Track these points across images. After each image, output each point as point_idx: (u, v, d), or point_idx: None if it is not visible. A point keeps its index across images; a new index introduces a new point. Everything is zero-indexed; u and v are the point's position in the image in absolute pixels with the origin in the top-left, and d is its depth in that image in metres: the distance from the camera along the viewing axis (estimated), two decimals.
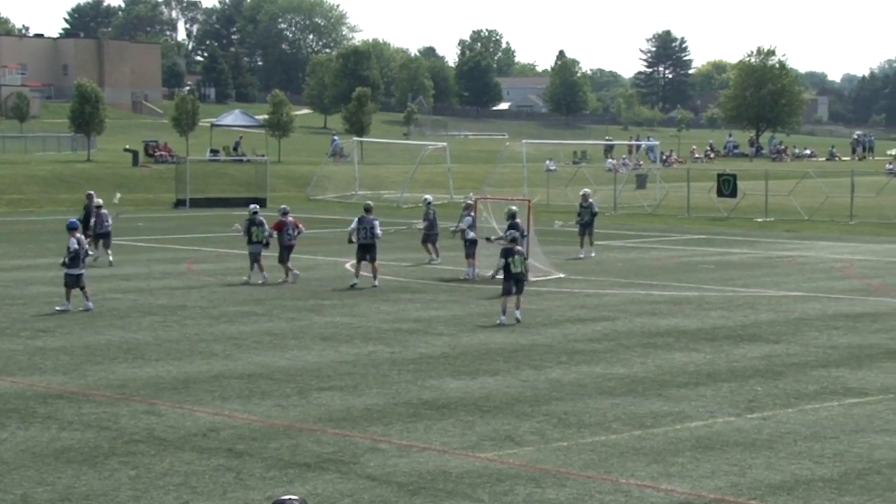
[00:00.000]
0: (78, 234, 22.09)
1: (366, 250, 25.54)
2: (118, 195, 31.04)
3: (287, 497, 6.56)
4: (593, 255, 32.12)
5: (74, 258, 21.65)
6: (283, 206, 28.57)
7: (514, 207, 25.98)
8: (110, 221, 30.17)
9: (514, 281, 21.04)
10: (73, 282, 21.66)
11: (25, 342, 18.66)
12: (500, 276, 21.50)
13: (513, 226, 24.59)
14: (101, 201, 31.04)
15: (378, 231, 25.63)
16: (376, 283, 25.33)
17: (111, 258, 29.31)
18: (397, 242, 33.52)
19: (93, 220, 29.76)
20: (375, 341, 19.07)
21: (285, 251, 26.26)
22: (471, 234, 27.22)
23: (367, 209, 26.31)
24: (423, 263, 30.02)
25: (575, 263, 30.70)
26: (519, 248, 21.66)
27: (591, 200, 33.06)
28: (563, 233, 37.79)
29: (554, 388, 15.76)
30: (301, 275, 26.37)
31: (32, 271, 27.03)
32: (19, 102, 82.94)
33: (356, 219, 25.98)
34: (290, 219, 26.63)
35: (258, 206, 27.96)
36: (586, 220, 32.43)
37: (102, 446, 12.68)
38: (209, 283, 26.19)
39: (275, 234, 26.26)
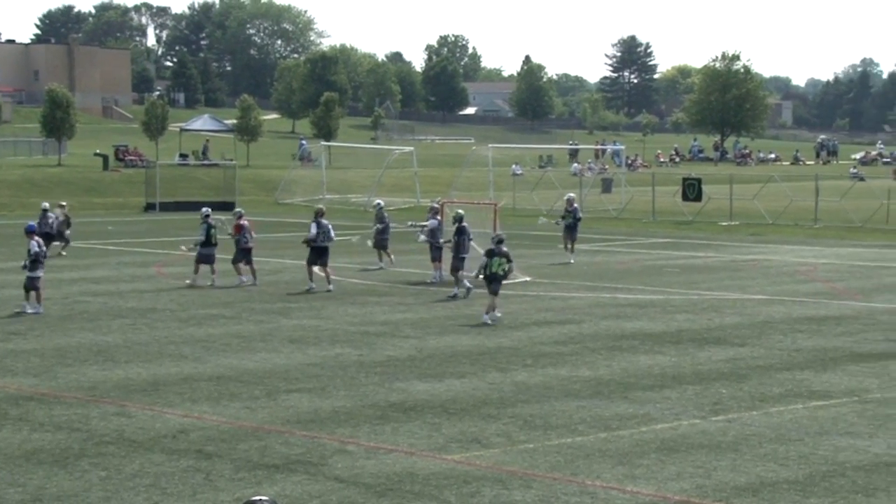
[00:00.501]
0: (37, 237, 21.97)
1: (321, 254, 25.45)
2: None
3: (257, 498, 6.57)
4: (572, 260, 32.08)
5: (35, 261, 21.54)
6: (238, 209, 28.52)
7: (460, 211, 26.13)
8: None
9: (487, 280, 21.29)
10: (32, 284, 21.54)
11: None
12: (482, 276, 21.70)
13: (460, 230, 24.82)
14: (47, 205, 33.05)
15: (332, 234, 25.80)
16: (330, 286, 25.29)
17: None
18: (362, 246, 33.46)
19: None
20: (343, 344, 19.04)
21: (241, 253, 26.23)
22: (437, 238, 27.21)
23: (321, 213, 26.19)
24: (374, 269, 29.65)
25: (541, 267, 30.77)
26: (504, 249, 21.72)
27: (575, 205, 33.17)
28: (545, 236, 37.86)
29: (520, 390, 15.79)
30: (248, 282, 26.01)
31: (4, 275, 26.77)
32: None
33: (314, 223, 25.69)
34: (245, 222, 26.59)
35: (210, 209, 27.85)
36: (569, 223, 32.54)
37: (73, 447, 12.59)
38: (178, 286, 26.04)
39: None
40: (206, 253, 25.98)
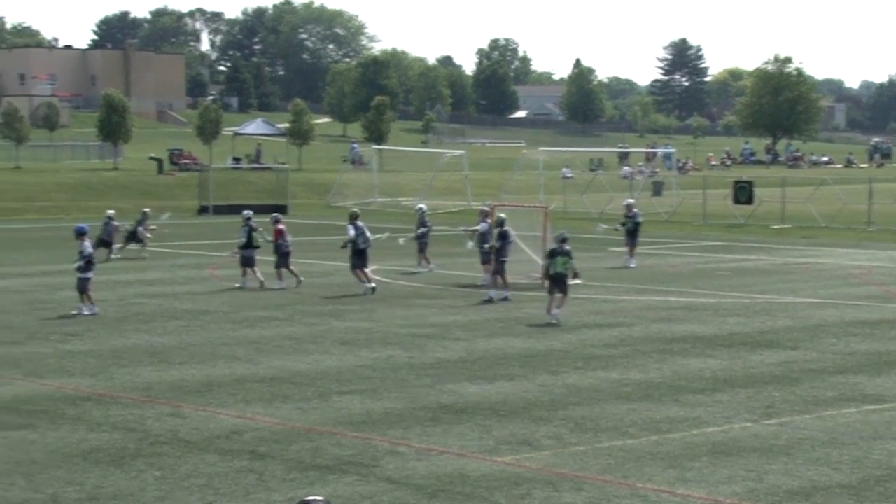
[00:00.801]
0: (88, 239, 22.22)
1: (362, 256, 25.50)
2: (167, 215, 32.96)
3: (311, 498, 6.59)
4: (633, 265, 31.72)
5: (89, 262, 21.79)
6: (274, 214, 28.72)
7: (502, 215, 26.02)
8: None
9: (552, 281, 21.41)
10: (84, 286, 21.77)
11: (55, 346, 18.78)
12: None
13: (502, 234, 24.71)
14: (112, 212, 33.53)
15: (369, 236, 25.80)
16: (373, 284, 25.40)
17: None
18: (414, 249, 33.51)
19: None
20: (394, 346, 19.09)
21: (283, 258, 26.39)
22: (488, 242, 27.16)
23: (356, 216, 26.10)
24: (415, 272, 29.59)
25: (592, 270, 30.65)
26: (567, 248, 21.71)
27: (635, 210, 32.83)
28: (596, 239, 37.70)
29: (571, 392, 15.74)
30: (287, 286, 26.06)
31: (61, 276, 27.16)
32: (49, 112, 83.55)
33: (351, 225, 25.59)
34: (283, 226, 26.79)
35: (252, 212, 28.04)
36: (630, 228, 32.26)
37: (129, 447, 12.75)
38: (231, 288, 26.27)
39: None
40: (247, 255, 26.22)
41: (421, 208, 31.70)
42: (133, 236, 33.74)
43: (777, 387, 16.28)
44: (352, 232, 25.45)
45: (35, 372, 16.68)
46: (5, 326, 20.67)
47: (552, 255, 21.79)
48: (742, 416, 14.54)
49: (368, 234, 25.80)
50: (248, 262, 26.24)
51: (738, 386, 16.30)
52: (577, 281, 27.52)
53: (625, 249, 32.63)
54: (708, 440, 13.35)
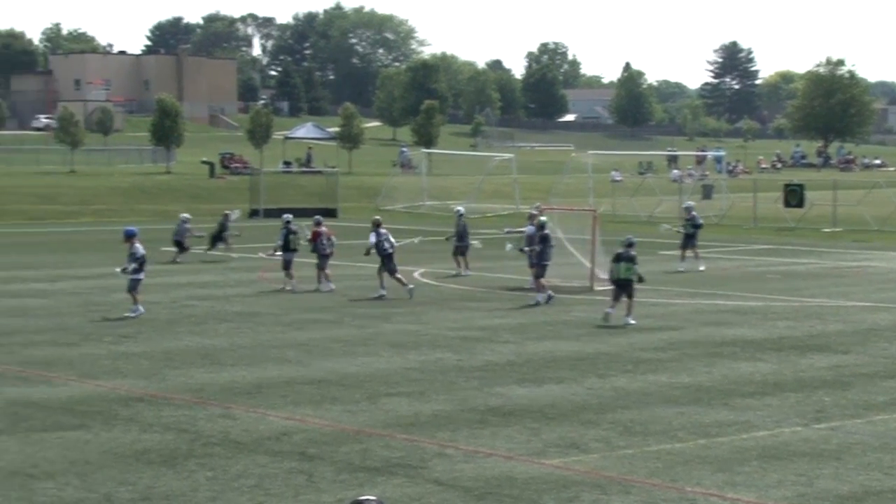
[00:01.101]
0: (138, 242, 22.47)
1: (389, 260, 25.57)
2: (237, 212, 34.03)
3: (364, 498, 6.61)
4: (702, 267, 31.15)
5: (142, 263, 22.03)
6: (316, 216, 28.97)
7: (543, 218, 25.97)
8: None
9: (617, 286, 21.62)
10: (135, 286, 22.01)
11: (109, 347, 19.03)
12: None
13: (543, 237, 24.69)
14: (187, 215, 34.34)
15: (393, 241, 25.84)
16: (411, 285, 25.57)
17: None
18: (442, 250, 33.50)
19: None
20: (442, 348, 19.12)
21: (322, 260, 26.64)
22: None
23: (378, 223, 26.07)
24: (457, 275, 29.55)
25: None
26: (632, 253, 21.80)
27: (693, 213, 32.41)
28: (646, 243, 37.39)
29: (619, 395, 15.67)
30: (325, 289, 26.15)
31: (115, 279, 27.48)
32: (103, 117, 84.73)
33: (374, 232, 25.56)
34: (323, 229, 27.02)
35: (291, 216, 28.26)
36: (689, 231, 31.87)
37: (181, 448, 12.89)
38: (281, 290, 26.46)
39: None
40: (286, 259, 26.43)
41: (458, 210, 31.68)
42: (218, 238, 34.23)
43: (828, 391, 16.09)
44: (373, 238, 25.52)
45: (89, 373, 16.91)
46: (60, 328, 20.98)
47: (617, 259, 21.87)
48: (792, 420, 14.39)
49: (392, 239, 25.85)
50: (284, 265, 26.48)
51: (788, 390, 16.14)
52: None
53: (677, 253, 32.21)
54: (757, 444, 13.23)
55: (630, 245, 21.87)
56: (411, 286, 25.46)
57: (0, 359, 17.91)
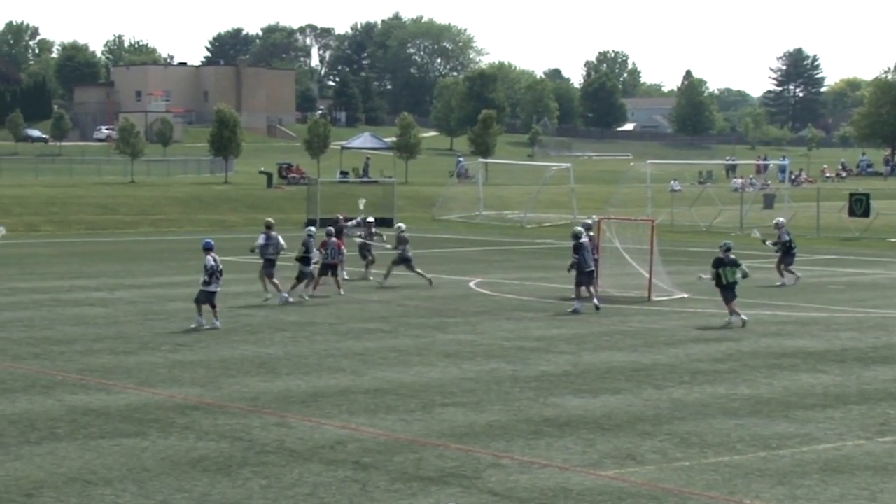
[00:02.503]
0: (213, 254, 22.63)
1: (270, 266, 25.82)
2: (363, 201, 32.16)
3: None
4: (798, 277, 30.32)
5: (212, 275, 22.19)
6: (328, 227, 29.40)
7: (578, 227, 25.96)
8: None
9: (724, 290, 22.78)
10: (205, 298, 22.19)
11: (166, 356, 19.27)
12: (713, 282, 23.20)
13: (576, 247, 24.71)
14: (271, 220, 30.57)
15: (283, 244, 26.02)
16: (284, 293, 25.83)
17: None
18: (521, 262, 33.51)
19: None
20: (498, 359, 19.11)
21: (325, 268, 27.21)
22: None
23: (269, 225, 26.43)
24: (527, 282, 29.60)
25: (699, 284, 30.21)
26: (732, 257, 22.94)
27: (783, 229, 31.06)
28: (702, 253, 37.09)
29: (676, 407, 15.54)
30: (305, 299, 26.20)
31: (173, 288, 27.88)
32: (163, 128, 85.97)
33: (263, 234, 26.01)
34: (333, 240, 27.60)
35: (314, 228, 28.67)
36: (779, 248, 30.70)
37: (236, 456, 13.00)
38: (336, 300, 26.62)
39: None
40: (303, 270, 26.52)
41: (399, 227, 30.02)
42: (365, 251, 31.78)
43: (892, 403, 15.82)
44: (261, 241, 25.95)
45: (146, 381, 17.14)
46: (119, 336, 21.29)
47: (719, 264, 22.85)
48: (855, 433, 14.17)
49: (282, 242, 26.03)
50: (302, 276, 26.59)
51: (850, 402, 15.89)
52: (684, 295, 27.11)
53: (774, 267, 30.93)
54: (819, 457, 13.04)
55: (728, 249, 23.03)
56: (285, 294, 25.79)
57: (60, 366, 18.23)
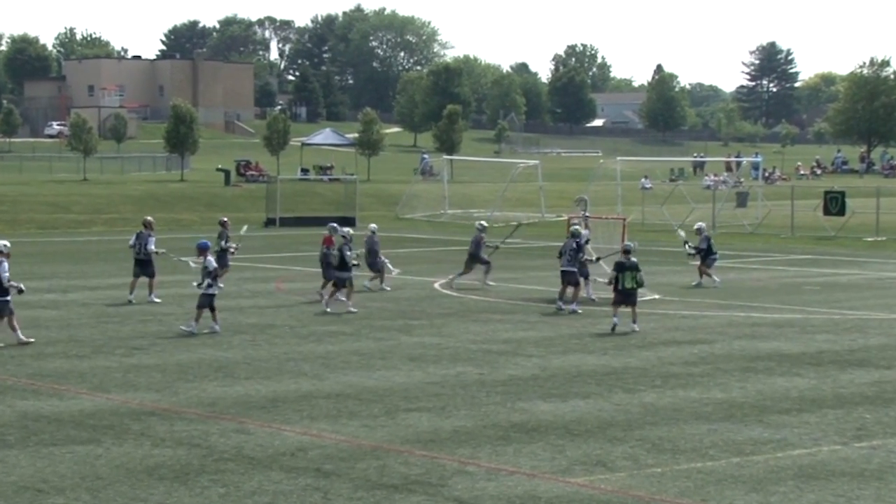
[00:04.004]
0: (210, 255, 22.45)
1: (143, 266, 26.07)
2: (245, 227, 30.85)
3: None
4: (717, 283, 30.14)
5: (215, 277, 21.97)
6: (330, 224, 28.17)
7: (577, 227, 26.32)
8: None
9: (622, 295, 22.18)
10: (208, 302, 21.97)
11: (120, 360, 19.14)
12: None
13: (575, 246, 25.18)
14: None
15: (151, 247, 26.17)
16: (155, 297, 25.99)
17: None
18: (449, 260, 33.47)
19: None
20: (464, 362, 19.13)
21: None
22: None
23: (146, 224, 26.70)
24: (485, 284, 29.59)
25: (671, 285, 30.40)
26: (633, 260, 22.31)
27: (704, 234, 30.63)
28: (675, 253, 37.31)
29: (648, 412, 15.63)
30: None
31: (128, 290, 27.66)
32: (117, 124, 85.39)
33: (137, 233, 26.45)
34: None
35: (349, 230, 27.58)
36: (699, 252, 30.75)
37: (193, 464, 12.95)
38: (298, 302, 26.55)
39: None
40: (340, 276, 25.17)
41: (371, 226, 29.48)
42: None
43: (869, 408, 15.98)
44: (133, 240, 26.45)
45: (100, 386, 17.02)
46: (72, 340, 21.13)
47: (620, 268, 22.24)
48: (831, 439, 14.30)
49: (152, 246, 26.16)
50: (339, 282, 25.52)
51: (826, 406, 16.05)
52: (655, 296, 27.35)
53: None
54: (794, 463, 13.16)
55: (628, 252, 22.38)
56: (153, 295, 26.03)
57: (11, 371, 18.06)
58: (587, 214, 29.42)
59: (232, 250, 29.12)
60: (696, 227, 31.90)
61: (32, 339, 20.59)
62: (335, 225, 27.49)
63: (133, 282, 26.40)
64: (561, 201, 57.68)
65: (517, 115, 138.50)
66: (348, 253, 24.97)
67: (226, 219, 30.47)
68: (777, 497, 11.89)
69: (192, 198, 60.39)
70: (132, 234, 27.22)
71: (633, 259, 22.33)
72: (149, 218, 27.52)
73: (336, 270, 25.17)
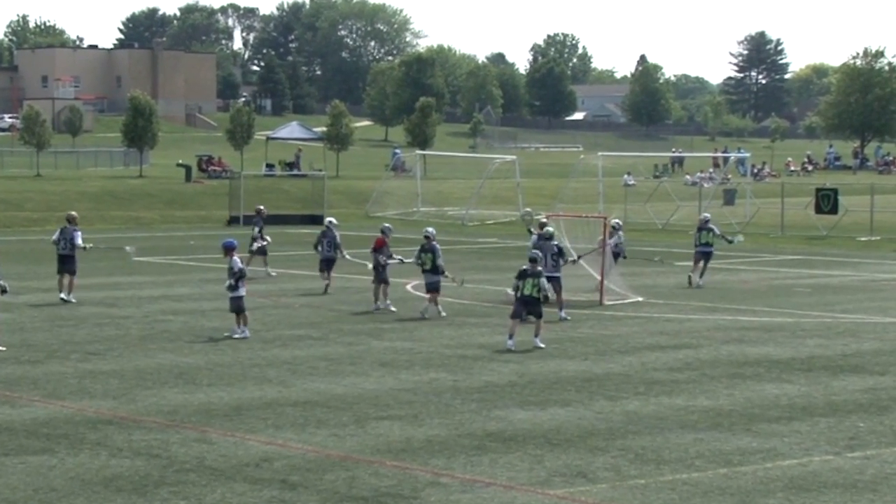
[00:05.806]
0: (237, 255, 22.34)
1: (64, 262, 26.40)
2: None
3: None
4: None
5: (240, 279, 21.81)
6: (329, 220, 30.23)
7: (550, 228, 26.15)
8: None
9: (521, 303, 21.07)
10: (240, 306, 21.77)
11: (75, 365, 19.06)
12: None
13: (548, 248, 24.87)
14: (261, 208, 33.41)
15: (79, 241, 26.53)
16: (72, 298, 26.26)
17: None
18: (463, 263, 33.57)
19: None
20: (438, 368, 19.15)
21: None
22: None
23: (70, 219, 27.19)
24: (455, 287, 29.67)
25: (655, 287, 30.51)
26: (538, 269, 21.35)
27: (620, 237, 30.77)
28: (661, 253, 37.45)
29: (630, 420, 15.69)
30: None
31: (83, 291, 27.53)
32: (72, 116, 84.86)
33: (60, 229, 27.03)
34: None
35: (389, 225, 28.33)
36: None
37: (153, 475, 12.90)
38: (263, 304, 26.50)
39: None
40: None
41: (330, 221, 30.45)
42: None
43: (862, 416, 16.10)
44: (55, 235, 26.89)
45: (55, 393, 16.94)
46: (24, 344, 21.01)
47: (522, 276, 21.17)
48: (823, 448, 14.39)
49: (79, 241, 26.56)
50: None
51: (818, 414, 16.15)
52: (638, 298, 27.43)
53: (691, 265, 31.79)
54: (784, 474, 13.24)
55: (534, 260, 21.43)
56: (64, 297, 26.21)
57: None
58: (533, 231, 29.17)
59: (260, 243, 31.36)
60: (613, 222, 30.77)
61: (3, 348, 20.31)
62: (390, 226, 28.07)
63: (60, 279, 26.72)
64: (539, 199, 57.80)
65: (493, 108, 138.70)
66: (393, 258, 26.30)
67: (262, 207, 33.45)
68: None
69: (152, 195, 60.16)
70: (56, 230, 27.69)
71: (539, 268, 21.35)
72: (73, 213, 28.36)
73: (429, 274, 25.09)
